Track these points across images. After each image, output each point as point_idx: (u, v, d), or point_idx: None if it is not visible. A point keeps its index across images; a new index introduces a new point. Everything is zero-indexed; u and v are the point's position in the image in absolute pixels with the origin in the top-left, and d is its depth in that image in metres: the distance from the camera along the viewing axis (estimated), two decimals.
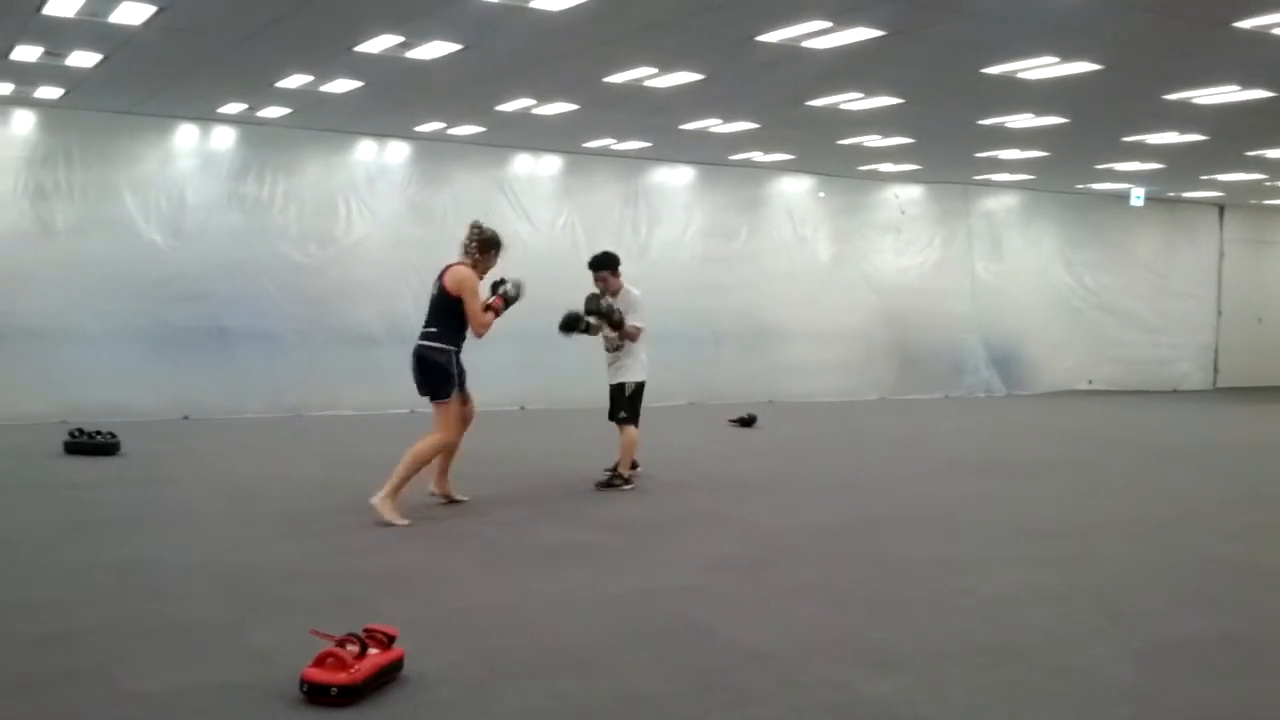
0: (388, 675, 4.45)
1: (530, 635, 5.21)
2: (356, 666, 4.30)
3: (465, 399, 7.94)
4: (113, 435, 10.34)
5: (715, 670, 4.74)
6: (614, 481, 9.01)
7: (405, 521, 7.45)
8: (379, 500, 7.49)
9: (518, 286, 7.95)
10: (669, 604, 5.78)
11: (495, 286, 8.01)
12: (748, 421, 13.75)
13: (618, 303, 8.95)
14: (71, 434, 10.33)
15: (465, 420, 8.04)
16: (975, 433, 14.04)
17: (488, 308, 7.77)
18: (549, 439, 12.00)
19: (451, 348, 7.73)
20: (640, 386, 9.10)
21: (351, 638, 4.44)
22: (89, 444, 10.21)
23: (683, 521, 8.07)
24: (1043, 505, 9.03)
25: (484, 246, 7.83)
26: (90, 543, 6.89)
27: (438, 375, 7.71)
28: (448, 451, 8.05)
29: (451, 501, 8.24)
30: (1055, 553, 7.23)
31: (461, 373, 7.83)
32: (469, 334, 7.80)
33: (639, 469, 9.21)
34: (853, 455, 11.92)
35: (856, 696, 4.50)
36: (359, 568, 6.41)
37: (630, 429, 9.03)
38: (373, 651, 4.43)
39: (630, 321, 8.93)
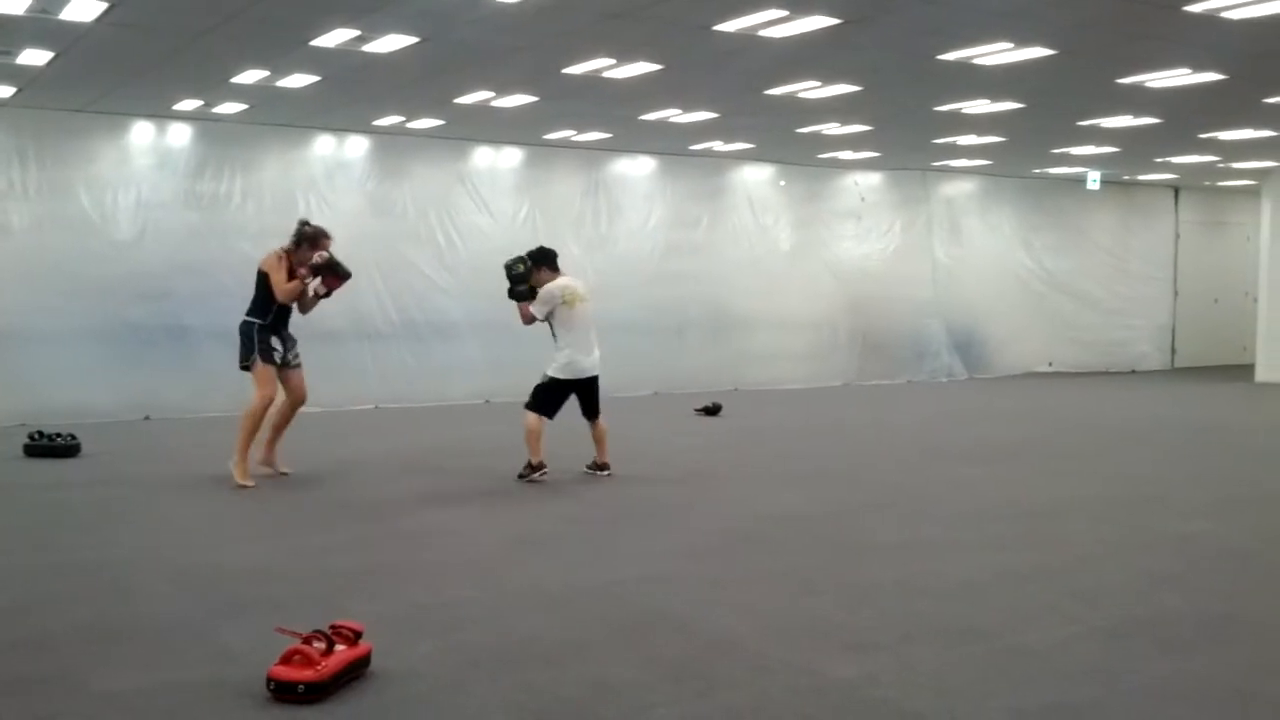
0: (355, 671, 4.44)
1: (498, 628, 5.21)
2: (323, 663, 4.29)
3: (287, 374, 8.85)
4: (73, 437, 10.23)
5: (684, 658, 4.77)
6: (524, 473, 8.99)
7: (251, 483, 8.50)
8: (230, 465, 8.57)
9: (323, 258, 8.73)
10: (637, 594, 5.80)
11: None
12: (713, 410, 13.78)
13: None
14: (31, 437, 10.23)
15: (295, 396, 8.93)
16: (939, 417, 14.14)
17: (294, 277, 8.71)
18: (515, 432, 11.94)
19: (255, 320, 8.72)
20: (550, 381, 9.05)
21: (317, 634, 4.43)
22: (49, 446, 10.09)
23: (650, 511, 8.10)
24: (1008, 487, 9.11)
25: (296, 241, 8.84)
26: (55, 544, 6.84)
27: (241, 344, 8.74)
28: (276, 424, 8.92)
29: (279, 474, 8.95)
30: (1021, 534, 7.31)
31: (279, 347, 8.76)
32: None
33: (543, 472, 9.00)
34: (818, 442, 11.98)
35: (824, 680, 4.54)
36: (325, 565, 6.39)
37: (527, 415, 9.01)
38: (339, 648, 4.42)
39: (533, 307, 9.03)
